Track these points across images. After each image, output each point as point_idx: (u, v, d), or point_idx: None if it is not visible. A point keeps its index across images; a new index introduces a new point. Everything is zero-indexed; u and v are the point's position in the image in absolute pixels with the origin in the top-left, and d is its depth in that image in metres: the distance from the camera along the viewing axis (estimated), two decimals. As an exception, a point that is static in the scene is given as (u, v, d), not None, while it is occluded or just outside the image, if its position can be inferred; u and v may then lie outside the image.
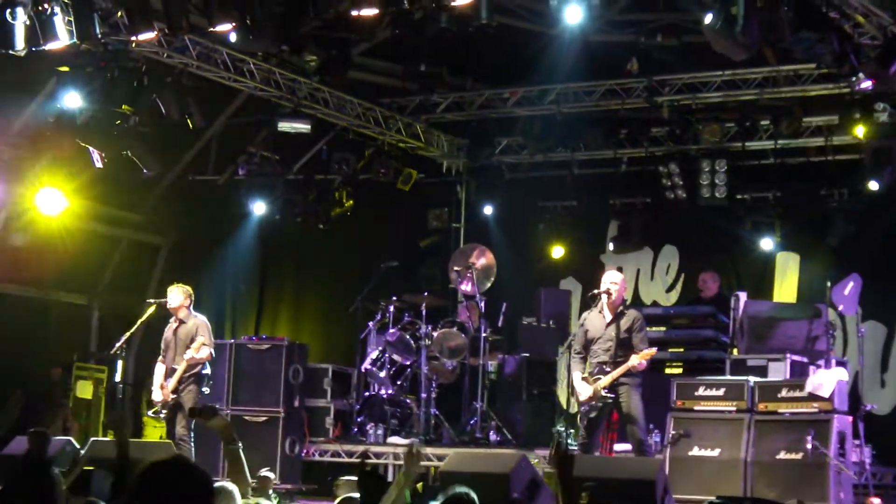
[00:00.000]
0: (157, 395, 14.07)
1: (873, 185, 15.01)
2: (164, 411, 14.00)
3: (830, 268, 15.39)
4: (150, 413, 14.28)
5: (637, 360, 12.38)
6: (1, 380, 17.62)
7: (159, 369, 14.22)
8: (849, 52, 12.08)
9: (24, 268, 17.56)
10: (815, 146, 16.35)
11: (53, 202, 16.29)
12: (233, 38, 12.69)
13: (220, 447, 15.02)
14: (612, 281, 12.89)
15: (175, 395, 13.94)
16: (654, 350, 12.67)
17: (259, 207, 18.00)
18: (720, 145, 16.43)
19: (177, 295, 14.28)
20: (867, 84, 12.97)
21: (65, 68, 14.15)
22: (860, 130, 14.95)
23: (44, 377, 17.82)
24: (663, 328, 15.78)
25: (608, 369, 12.51)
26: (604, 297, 12.74)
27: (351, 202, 18.13)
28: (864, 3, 12.18)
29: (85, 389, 18.06)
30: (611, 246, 17.94)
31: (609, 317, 12.74)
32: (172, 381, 13.92)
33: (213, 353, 14.22)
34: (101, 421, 17.44)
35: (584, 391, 12.57)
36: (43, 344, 18.07)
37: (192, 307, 14.32)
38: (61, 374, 17.90)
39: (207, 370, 14.11)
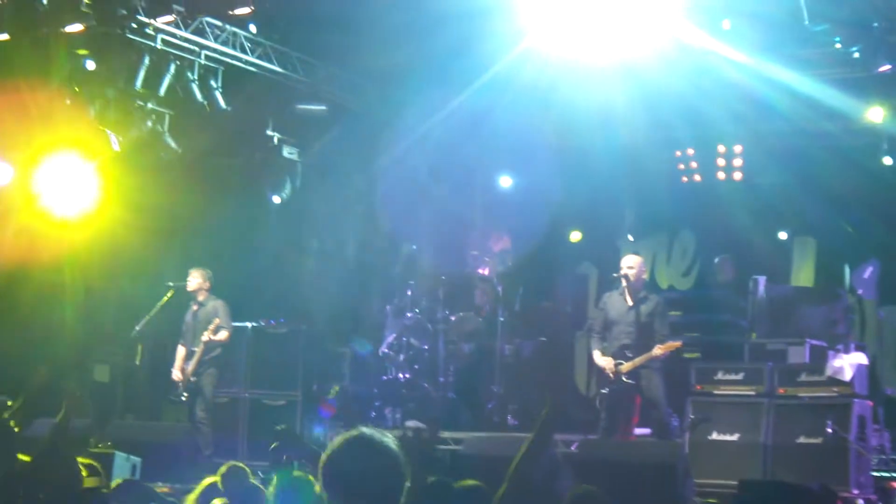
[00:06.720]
0: (176, 377, 14.17)
1: (887, 160, 14.87)
2: (184, 394, 14.08)
3: (847, 251, 15.35)
4: (170, 396, 14.34)
5: (659, 351, 12.47)
6: (18, 362, 17.66)
7: (180, 352, 14.33)
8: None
9: (41, 251, 17.54)
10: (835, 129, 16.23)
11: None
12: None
13: (239, 430, 15.13)
14: (628, 266, 13.01)
15: (194, 378, 14.03)
16: (678, 342, 12.74)
17: (278, 191, 17.88)
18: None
19: (196, 277, 14.37)
20: (886, 67, 12.95)
21: (83, 51, 14.13)
22: (878, 112, 14.81)
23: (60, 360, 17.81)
24: (680, 312, 15.66)
25: (630, 354, 12.59)
26: (623, 280, 12.85)
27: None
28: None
29: (102, 373, 18.07)
30: (629, 234, 17.91)
31: (630, 301, 12.81)
32: (192, 364, 14.02)
33: (229, 334, 14.27)
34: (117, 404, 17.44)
35: (605, 363, 12.63)
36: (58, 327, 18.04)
37: (210, 290, 14.39)
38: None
39: None
